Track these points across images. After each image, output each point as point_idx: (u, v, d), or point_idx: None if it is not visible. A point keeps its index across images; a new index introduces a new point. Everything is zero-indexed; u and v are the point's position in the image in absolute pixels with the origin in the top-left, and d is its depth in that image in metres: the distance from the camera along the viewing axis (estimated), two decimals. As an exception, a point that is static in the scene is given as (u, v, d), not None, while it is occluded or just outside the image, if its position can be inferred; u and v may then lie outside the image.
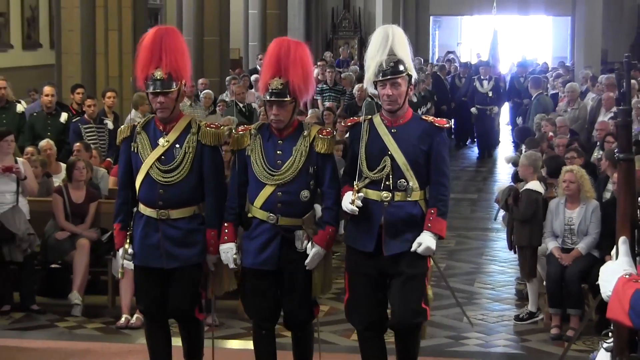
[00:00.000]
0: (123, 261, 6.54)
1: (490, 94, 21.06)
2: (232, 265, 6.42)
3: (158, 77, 6.29)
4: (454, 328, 8.97)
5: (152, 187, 6.39)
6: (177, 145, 6.39)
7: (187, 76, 6.51)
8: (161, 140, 6.40)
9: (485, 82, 21.16)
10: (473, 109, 21.27)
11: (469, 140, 23.44)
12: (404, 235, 6.14)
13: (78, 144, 11.23)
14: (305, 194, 6.31)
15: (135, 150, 6.45)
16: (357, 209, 6.10)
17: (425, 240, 6.09)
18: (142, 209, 6.47)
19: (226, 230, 6.43)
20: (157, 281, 6.49)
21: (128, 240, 6.49)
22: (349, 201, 6.12)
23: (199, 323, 6.71)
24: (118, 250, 6.60)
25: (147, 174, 6.39)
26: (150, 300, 6.55)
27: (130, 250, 6.46)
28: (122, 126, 6.80)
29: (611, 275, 3.47)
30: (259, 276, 6.37)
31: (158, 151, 6.39)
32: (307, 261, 6.26)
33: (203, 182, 6.46)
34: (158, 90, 6.30)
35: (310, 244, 6.27)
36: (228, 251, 6.39)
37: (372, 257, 6.21)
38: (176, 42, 6.43)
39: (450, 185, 6.37)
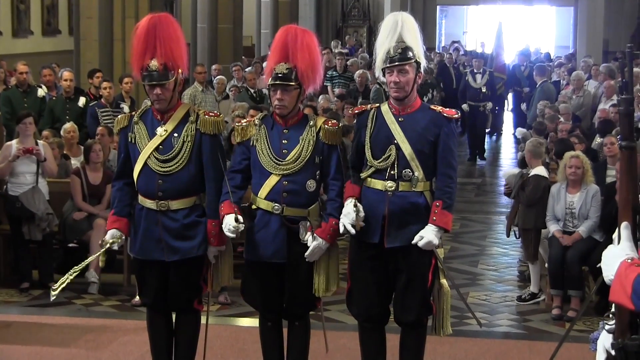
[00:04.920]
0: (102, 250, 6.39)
1: (483, 89, 18.71)
2: (234, 225, 5.97)
3: (154, 69, 6.07)
4: (457, 308, 8.93)
5: (150, 178, 6.18)
6: (176, 134, 6.18)
7: (184, 64, 6.24)
8: (159, 130, 6.19)
9: (478, 76, 18.83)
10: (464, 106, 18.64)
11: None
12: (407, 227, 5.99)
13: (101, 127, 11.34)
14: (311, 183, 6.14)
15: (133, 141, 6.25)
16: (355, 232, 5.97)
17: (427, 235, 5.91)
18: (142, 200, 6.27)
19: (222, 207, 6.11)
20: (158, 273, 6.33)
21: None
22: (350, 221, 5.95)
23: (197, 315, 6.54)
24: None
25: (145, 164, 6.18)
26: (153, 292, 6.40)
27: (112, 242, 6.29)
28: (119, 116, 6.59)
29: (613, 259, 3.49)
30: (266, 269, 6.24)
31: (156, 141, 6.18)
32: (307, 253, 6.08)
33: (203, 171, 6.25)
34: (154, 83, 6.09)
35: (311, 236, 6.09)
36: (229, 220, 6.00)
37: (376, 248, 6.07)
38: (170, 31, 6.16)
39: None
